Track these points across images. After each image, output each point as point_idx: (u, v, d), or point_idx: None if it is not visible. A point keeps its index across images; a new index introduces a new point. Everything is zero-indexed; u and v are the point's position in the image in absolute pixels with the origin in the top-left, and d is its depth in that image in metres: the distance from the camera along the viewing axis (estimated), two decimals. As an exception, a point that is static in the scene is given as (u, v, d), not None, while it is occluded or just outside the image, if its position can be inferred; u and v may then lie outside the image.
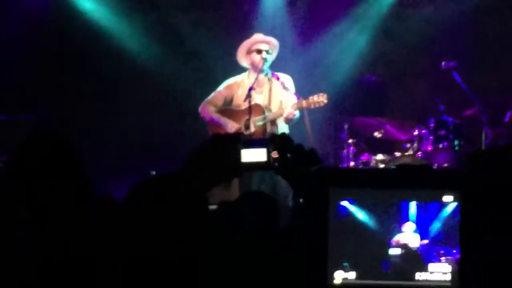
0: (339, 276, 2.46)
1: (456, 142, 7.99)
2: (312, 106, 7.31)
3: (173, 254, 2.38)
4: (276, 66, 7.82)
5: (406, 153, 8.10)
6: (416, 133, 8.15)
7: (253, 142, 2.42)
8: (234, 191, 7.05)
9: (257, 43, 7.68)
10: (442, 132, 7.99)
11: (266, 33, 8.00)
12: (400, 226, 2.47)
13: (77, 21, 9.31)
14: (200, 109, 7.75)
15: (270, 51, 7.61)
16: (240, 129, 7.44)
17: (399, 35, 9.29)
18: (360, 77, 9.41)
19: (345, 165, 8.35)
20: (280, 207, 3.29)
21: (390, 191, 2.47)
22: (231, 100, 7.64)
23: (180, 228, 2.39)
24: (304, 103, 7.26)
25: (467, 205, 2.42)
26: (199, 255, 2.38)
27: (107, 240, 2.63)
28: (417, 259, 2.48)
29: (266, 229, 2.64)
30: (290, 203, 5.34)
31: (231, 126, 7.50)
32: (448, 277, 2.47)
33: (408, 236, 2.47)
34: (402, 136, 8.45)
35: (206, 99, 7.78)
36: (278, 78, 7.54)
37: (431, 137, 8.02)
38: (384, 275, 2.47)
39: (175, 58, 9.48)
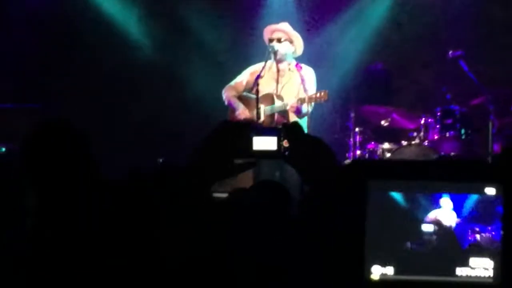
0: (376, 272, 2.42)
1: (462, 131, 7.98)
2: (313, 102, 7.27)
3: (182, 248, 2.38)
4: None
5: (413, 142, 8.10)
6: (422, 122, 8.15)
7: (264, 130, 2.42)
8: (248, 179, 7.04)
9: (271, 32, 7.63)
10: (449, 121, 7.98)
11: (273, 22, 7.95)
12: (435, 203, 2.43)
13: (83, 10, 9.31)
14: (223, 91, 7.74)
15: (282, 39, 7.55)
16: (250, 116, 7.41)
17: (406, 24, 9.28)
18: (367, 66, 9.41)
19: (351, 154, 8.37)
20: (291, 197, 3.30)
21: (429, 182, 2.43)
22: (252, 88, 7.50)
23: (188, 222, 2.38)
24: (306, 98, 7.23)
25: (511, 198, 2.38)
26: (214, 249, 2.38)
27: (114, 230, 2.63)
28: (451, 237, 2.44)
29: (285, 219, 2.61)
30: (298, 192, 5.32)
31: (242, 111, 7.49)
32: (490, 273, 2.42)
33: (445, 212, 2.43)
34: (409, 125, 8.45)
35: (230, 83, 7.77)
36: (299, 70, 7.49)
37: (437, 126, 8.02)
38: (424, 270, 2.41)
39: (180, 47, 9.49)
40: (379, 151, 8.23)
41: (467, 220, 2.42)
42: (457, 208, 2.42)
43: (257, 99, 7.28)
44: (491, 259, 2.41)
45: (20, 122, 7.62)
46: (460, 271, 2.41)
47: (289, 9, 9.48)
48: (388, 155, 8.08)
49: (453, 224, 2.41)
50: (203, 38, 9.51)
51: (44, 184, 2.81)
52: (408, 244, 2.40)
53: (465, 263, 2.42)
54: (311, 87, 7.42)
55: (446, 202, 2.41)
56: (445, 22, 9.21)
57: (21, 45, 9.11)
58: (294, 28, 7.76)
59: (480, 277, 2.41)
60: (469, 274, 2.42)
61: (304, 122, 7.44)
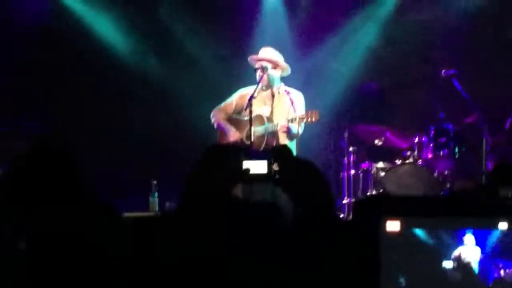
0: None
1: (456, 150, 7.99)
2: (304, 121, 7.28)
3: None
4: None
5: (407, 161, 8.09)
6: (416, 140, 8.14)
7: (255, 154, 2.43)
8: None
9: (255, 62, 7.68)
10: (443, 140, 7.98)
11: (266, 42, 7.98)
12: (458, 241, 2.39)
13: (72, 26, 9.27)
14: (212, 114, 7.79)
15: (267, 67, 7.56)
16: (241, 138, 7.47)
17: (399, 43, 9.30)
18: (360, 84, 9.42)
19: (345, 173, 8.35)
20: (282, 219, 3.27)
21: (443, 218, 2.39)
22: (241, 110, 7.61)
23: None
24: (297, 117, 7.25)
25: None
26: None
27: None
28: (474, 273, 2.39)
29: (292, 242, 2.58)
30: (290, 215, 5.27)
31: (233, 134, 7.55)
32: None
33: (469, 248, 2.39)
34: (403, 144, 8.44)
35: (219, 106, 7.81)
36: (287, 94, 7.58)
37: (431, 145, 8.02)
38: None
39: (172, 66, 9.47)
40: (373, 170, 8.22)
41: (491, 256, 2.39)
42: (480, 244, 2.38)
43: (251, 119, 7.30)
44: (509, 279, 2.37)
45: (18, 146, 7.60)
46: None
47: (282, 28, 9.49)
48: (382, 174, 8.07)
49: (477, 260, 2.38)
50: (195, 59, 9.50)
51: (33, 203, 2.80)
52: (428, 282, 2.36)
53: (479, 283, 2.37)
54: (300, 110, 7.46)
55: (469, 238, 2.38)
56: (438, 40, 9.24)
57: (10, 61, 9.07)
58: (286, 48, 7.80)
59: None
60: None
61: (293, 144, 7.46)
